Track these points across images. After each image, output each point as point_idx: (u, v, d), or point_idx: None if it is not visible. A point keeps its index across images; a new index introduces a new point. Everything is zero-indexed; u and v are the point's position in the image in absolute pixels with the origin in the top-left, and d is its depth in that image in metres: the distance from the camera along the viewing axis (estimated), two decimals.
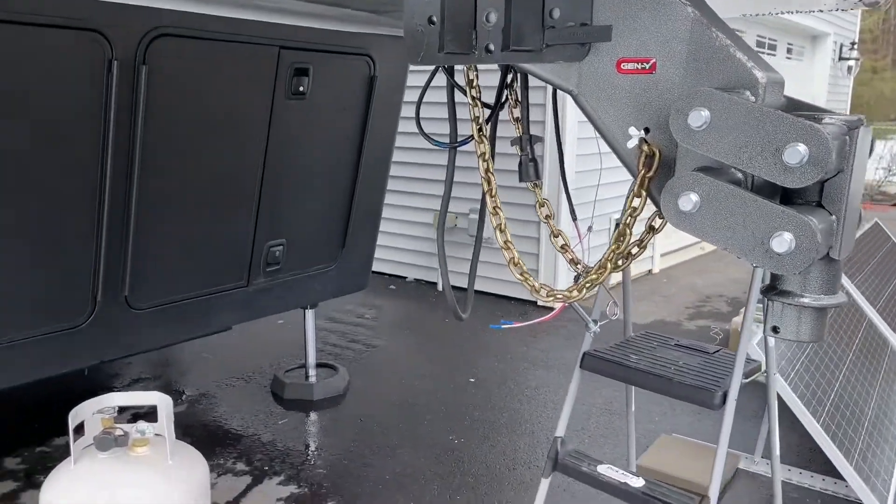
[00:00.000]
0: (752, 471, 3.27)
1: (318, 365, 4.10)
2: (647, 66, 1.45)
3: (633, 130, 1.48)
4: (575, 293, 1.61)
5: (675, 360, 2.19)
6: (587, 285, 1.61)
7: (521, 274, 1.71)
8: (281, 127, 3.10)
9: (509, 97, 1.77)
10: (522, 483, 3.12)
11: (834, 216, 1.33)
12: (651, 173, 1.47)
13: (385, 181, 3.81)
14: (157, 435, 1.80)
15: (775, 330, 1.45)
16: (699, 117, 1.30)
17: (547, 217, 1.85)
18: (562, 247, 1.82)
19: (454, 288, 1.83)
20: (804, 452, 3.37)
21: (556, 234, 1.82)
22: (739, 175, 1.40)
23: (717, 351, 2.27)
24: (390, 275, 6.33)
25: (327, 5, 2.91)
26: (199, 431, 3.53)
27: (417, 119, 1.84)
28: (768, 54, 9.37)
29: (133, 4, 2.43)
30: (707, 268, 7.23)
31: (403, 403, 3.89)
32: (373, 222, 3.86)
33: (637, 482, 2.10)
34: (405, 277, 6.28)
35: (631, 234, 1.56)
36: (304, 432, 3.58)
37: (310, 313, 3.94)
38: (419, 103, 1.85)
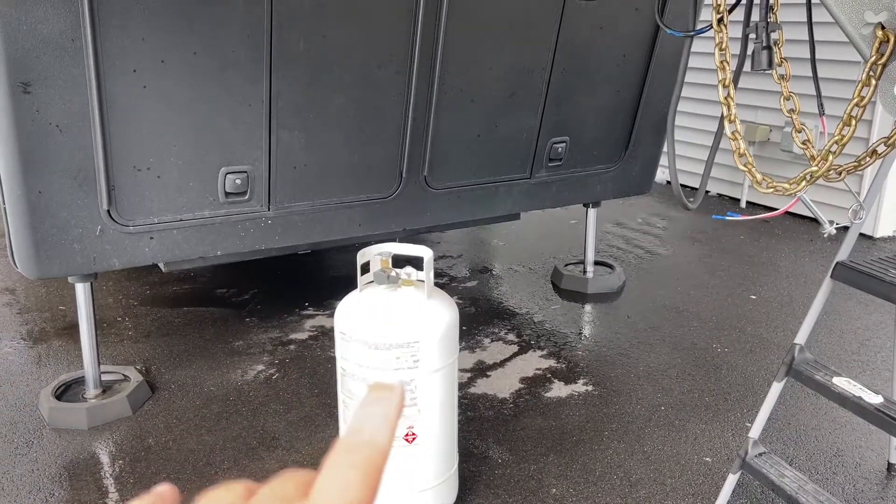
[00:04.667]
0: None
1: (597, 263, 4.32)
2: None
3: (869, 16, 1.42)
4: (789, 186, 1.61)
5: None
6: (807, 178, 1.60)
7: (745, 165, 1.74)
8: (571, 27, 3.27)
9: None
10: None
11: None
12: (883, 60, 1.40)
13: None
14: (419, 280, 2.21)
15: None
16: None
17: (791, 111, 1.82)
18: (803, 142, 1.79)
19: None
20: None
21: (798, 129, 1.79)
22: None
23: None
24: (692, 187, 6.21)
25: None
26: (482, 303, 4.03)
27: (658, 7, 1.90)
28: None
29: None
30: None
31: (673, 308, 3.96)
32: (660, 127, 3.88)
33: (874, 398, 2.01)
34: (708, 191, 6.11)
35: (856, 125, 1.50)
36: (572, 319, 3.87)
37: (592, 212, 4.14)
38: None
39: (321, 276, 4.48)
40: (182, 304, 4.00)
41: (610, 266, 4.38)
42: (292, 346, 3.51)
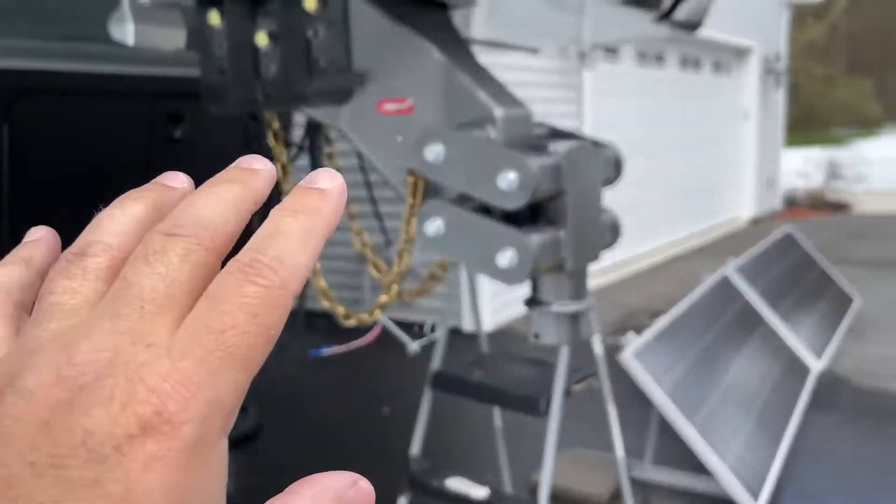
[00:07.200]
0: (644, 478, 3.40)
1: None
2: (405, 107, 1.60)
3: (400, 163, 1.63)
4: (368, 316, 1.75)
5: (514, 374, 2.32)
6: (380, 307, 1.75)
7: (328, 301, 1.84)
8: (158, 172, 3.21)
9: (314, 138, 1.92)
10: None
11: (562, 231, 1.48)
12: (415, 201, 1.61)
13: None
14: None
15: (537, 336, 1.60)
16: (433, 151, 1.45)
17: (364, 245, 1.99)
18: (377, 271, 1.96)
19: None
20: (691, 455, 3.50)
21: (372, 261, 1.96)
22: None
23: None
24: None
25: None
26: None
27: None
28: (693, 72, 9.70)
29: None
30: (640, 284, 7.43)
31: (316, 438, 3.98)
32: None
33: (480, 492, 2.21)
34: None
35: (409, 257, 1.69)
36: None
37: None
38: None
39: None
40: None
41: (244, 409, 4.25)
42: None
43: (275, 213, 0.28)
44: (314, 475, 0.30)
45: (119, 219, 0.29)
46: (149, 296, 0.26)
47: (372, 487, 0.31)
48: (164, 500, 0.23)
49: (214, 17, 1.56)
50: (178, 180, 0.32)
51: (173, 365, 0.24)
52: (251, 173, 0.30)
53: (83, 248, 0.28)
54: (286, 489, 0.29)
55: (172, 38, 1.93)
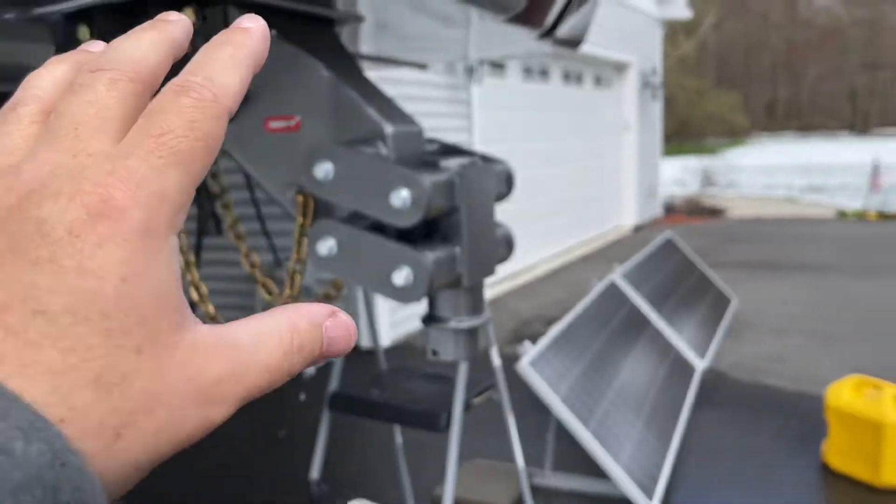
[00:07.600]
0: (545, 485, 3.46)
1: None
2: (292, 124, 1.57)
3: (288, 181, 1.59)
4: None
5: (413, 390, 2.31)
6: None
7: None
8: None
9: None
10: None
11: (458, 248, 1.48)
12: (305, 220, 1.57)
13: None
14: None
15: (435, 353, 1.59)
16: (323, 169, 1.42)
17: (253, 266, 1.92)
18: (268, 293, 1.90)
19: None
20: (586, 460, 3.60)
21: (261, 282, 1.90)
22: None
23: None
24: None
25: None
26: None
27: None
28: (575, 86, 10.06)
29: None
30: (533, 292, 7.59)
31: (200, 472, 3.82)
32: None
33: None
34: None
35: (301, 278, 1.65)
36: None
37: None
38: None
39: None
40: None
41: None
42: None
43: (204, 47, 0.31)
44: (296, 303, 0.33)
45: (46, 76, 0.32)
46: (80, 119, 0.28)
47: (353, 321, 0.34)
48: (117, 275, 0.25)
49: (84, 33, 1.48)
50: (98, 46, 0.34)
51: (116, 164, 0.27)
52: (166, 23, 0.33)
53: (15, 102, 0.31)
54: (269, 310, 0.33)
55: (40, 54, 1.81)
